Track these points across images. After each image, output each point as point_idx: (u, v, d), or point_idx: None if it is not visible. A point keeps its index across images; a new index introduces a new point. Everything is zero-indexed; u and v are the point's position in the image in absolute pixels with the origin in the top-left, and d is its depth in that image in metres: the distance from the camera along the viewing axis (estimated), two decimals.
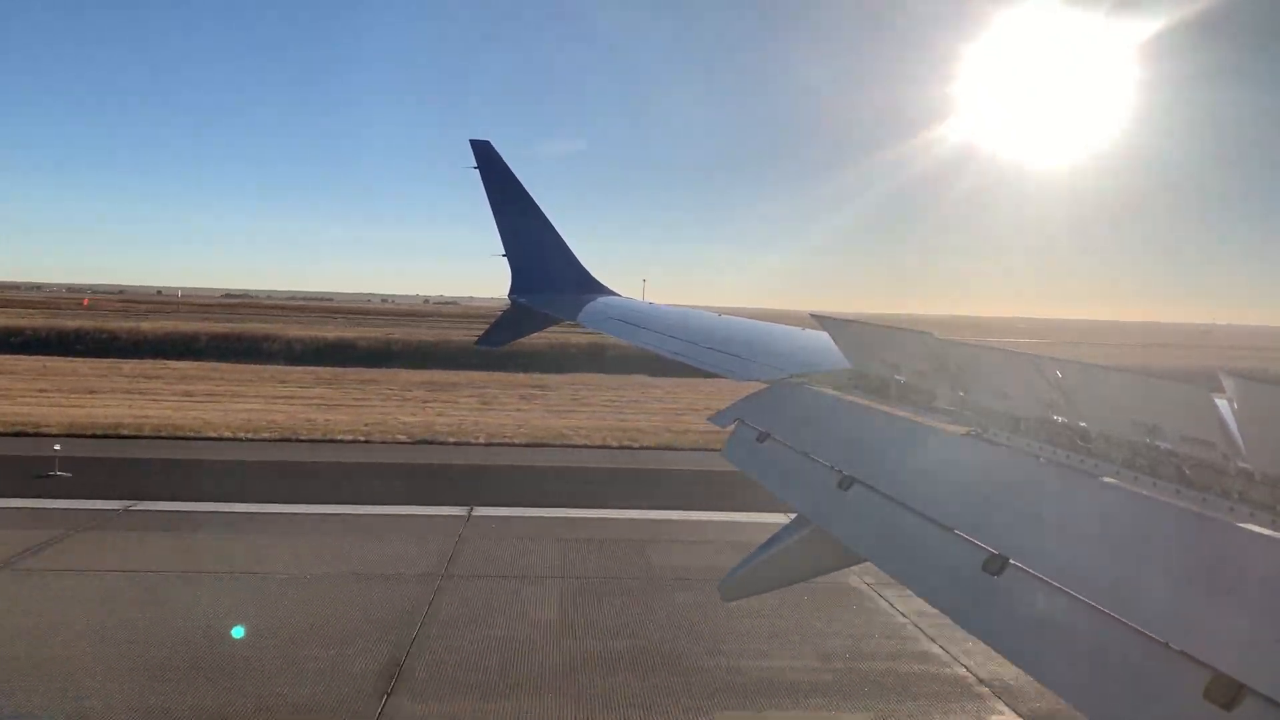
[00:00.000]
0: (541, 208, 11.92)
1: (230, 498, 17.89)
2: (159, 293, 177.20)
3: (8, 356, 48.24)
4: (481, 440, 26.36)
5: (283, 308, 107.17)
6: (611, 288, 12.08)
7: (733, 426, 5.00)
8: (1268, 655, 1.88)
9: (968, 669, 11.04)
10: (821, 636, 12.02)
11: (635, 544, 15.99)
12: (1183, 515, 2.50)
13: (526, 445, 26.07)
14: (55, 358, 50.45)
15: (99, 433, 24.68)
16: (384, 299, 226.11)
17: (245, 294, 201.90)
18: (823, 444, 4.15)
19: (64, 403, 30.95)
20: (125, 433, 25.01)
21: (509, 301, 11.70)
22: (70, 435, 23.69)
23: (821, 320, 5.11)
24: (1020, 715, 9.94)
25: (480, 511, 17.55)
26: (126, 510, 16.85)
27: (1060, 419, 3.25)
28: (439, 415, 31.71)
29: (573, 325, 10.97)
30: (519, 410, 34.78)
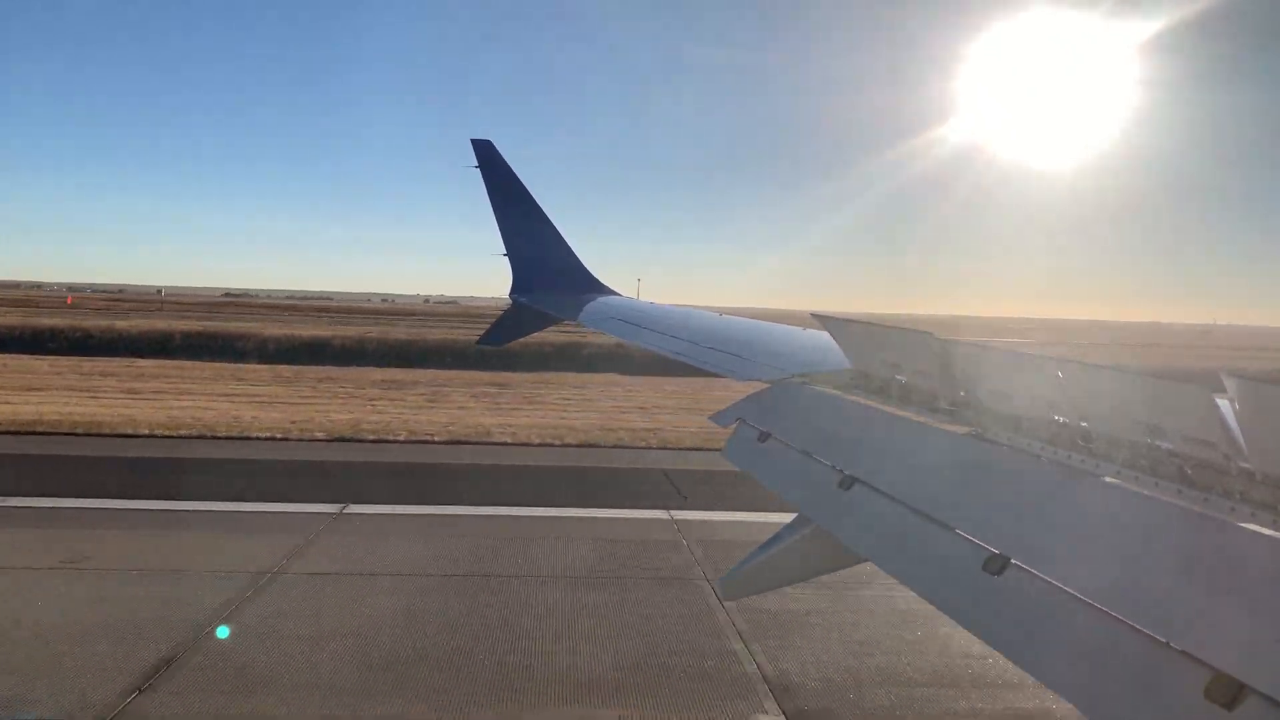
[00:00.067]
0: (542, 207, 11.97)
1: (94, 493, 17.80)
2: (159, 292, 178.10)
3: None
4: (402, 438, 26.28)
5: (272, 307, 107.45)
6: (612, 287, 12.16)
7: (734, 426, 5.03)
8: (1268, 655, 1.88)
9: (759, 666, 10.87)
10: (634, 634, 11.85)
11: (518, 541, 15.84)
12: (1184, 515, 2.51)
13: (445, 443, 25.96)
14: (23, 356, 50.65)
15: (11, 429, 24.70)
16: (384, 299, 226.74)
17: (245, 293, 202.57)
18: (824, 444, 4.20)
19: None
20: (42, 429, 25.01)
21: (509, 301, 11.73)
22: None
23: (822, 320, 5.15)
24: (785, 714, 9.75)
25: (354, 509, 17.44)
26: None
27: (1061, 419, 3.27)
28: (375, 413, 31.61)
29: (574, 325, 10.86)
30: (461, 408, 34.69)
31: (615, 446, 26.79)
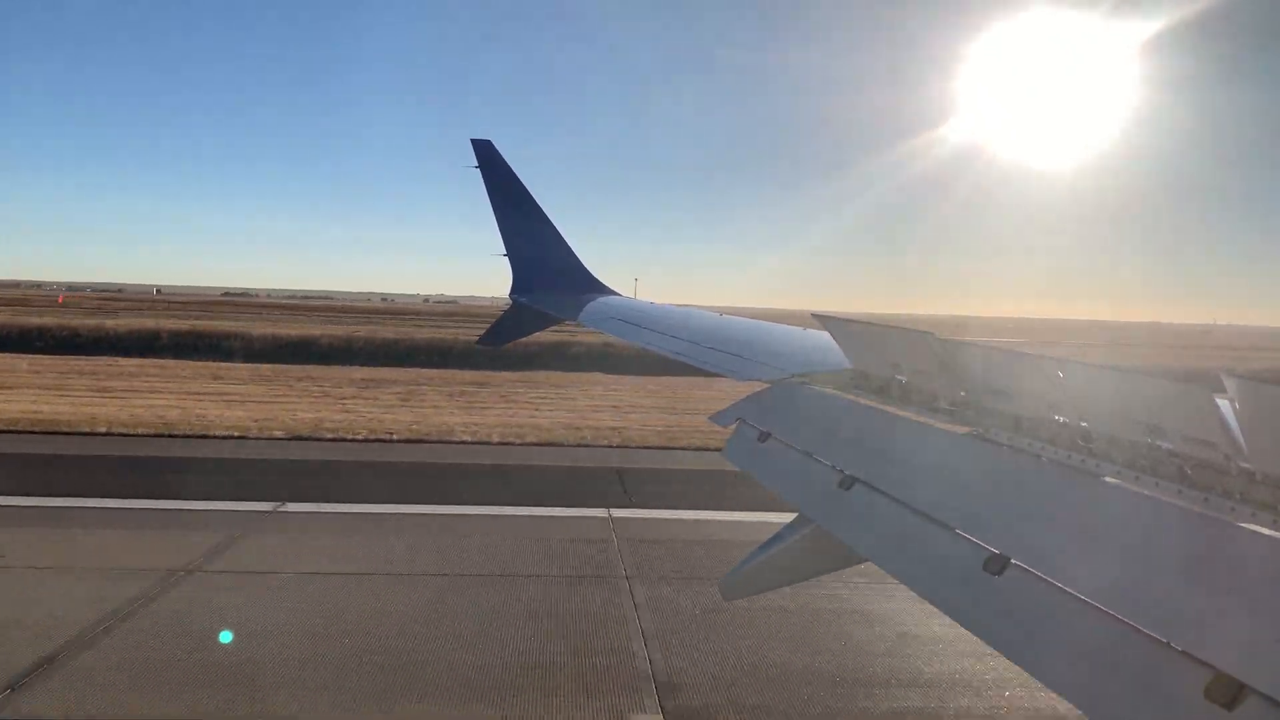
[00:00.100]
0: (542, 207, 11.98)
1: (28, 490, 17.83)
2: (158, 291, 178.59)
3: None
4: (361, 437, 26.24)
5: (265, 306, 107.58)
6: (612, 288, 12.18)
7: (734, 426, 5.04)
8: (1269, 655, 1.89)
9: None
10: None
11: (447, 538, 15.79)
12: (1184, 515, 2.52)
13: (403, 441, 25.90)
14: (7, 355, 50.76)
15: None
16: (384, 298, 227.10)
17: (245, 293, 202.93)
18: (824, 444, 4.22)
19: None
20: None
21: (509, 301, 11.73)
22: None
23: (823, 320, 5.15)
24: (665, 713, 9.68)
25: (290, 507, 17.40)
26: None
27: (1062, 419, 3.28)
28: (342, 412, 31.61)
29: (574, 324, 10.92)
30: (433, 407, 34.67)
31: (576, 445, 26.74)
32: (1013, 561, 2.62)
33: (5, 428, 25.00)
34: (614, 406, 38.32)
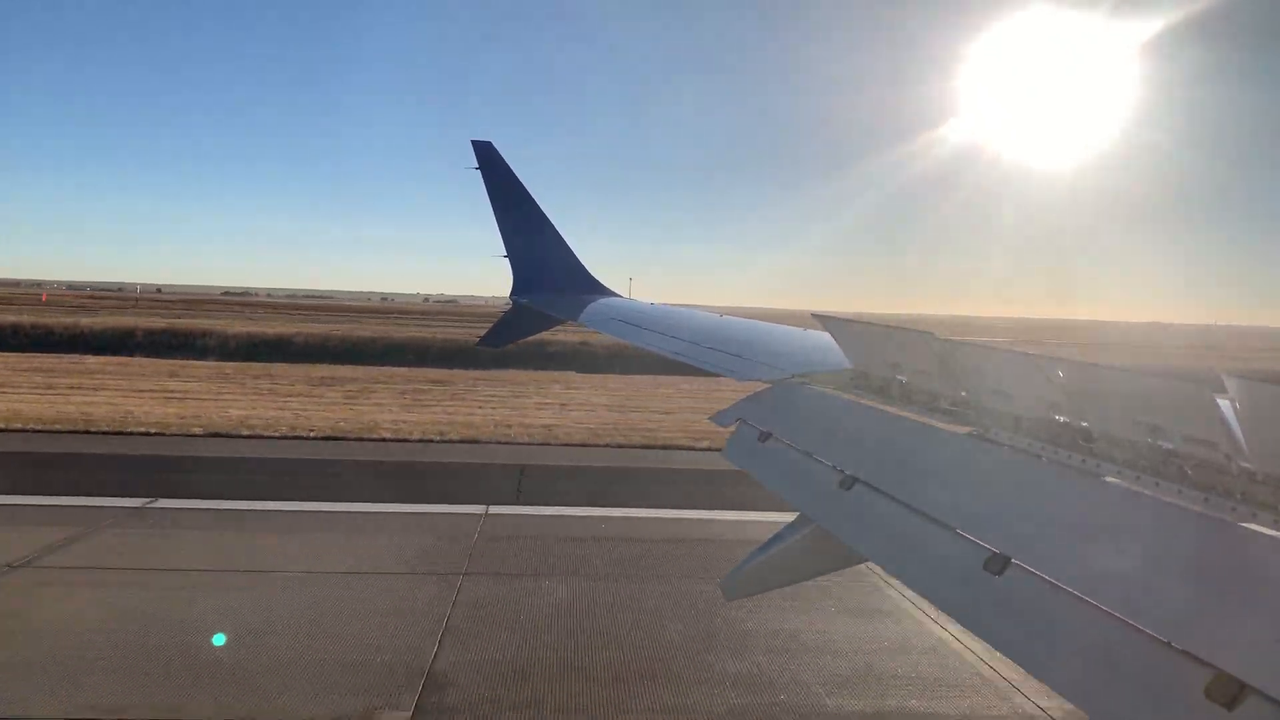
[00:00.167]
0: (543, 208, 12.02)
1: None
2: (158, 290, 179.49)
3: None
4: (280, 433, 26.13)
5: (257, 304, 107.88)
6: (612, 289, 12.22)
7: (734, 426, 5.05)
8: (1269, 654, 1.89)
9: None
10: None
11: (310, 535, 15.68)
12: (1185, 515, 2.53)
13: (320, 439, 25.77)
14: None
15: None
16: (384, 298, 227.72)
17: (246, 292, 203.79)
18: (825, 444, 4.24)
19: None
20: None
21: (509, 301, 11.77)
22: None
23: (823, 320, 5.17)
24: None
25: (161, 503, 17.26)
26: None
27: (1062, 419, 3.29)
28: (275, 409, 31.54)
29: (576, 325, 10.88)
30: (376, 404, 34.61)
31: (497, 442, 26.60)
32: (1013, 561, 2.61)
33: None
34: (562, 405, 38.15)
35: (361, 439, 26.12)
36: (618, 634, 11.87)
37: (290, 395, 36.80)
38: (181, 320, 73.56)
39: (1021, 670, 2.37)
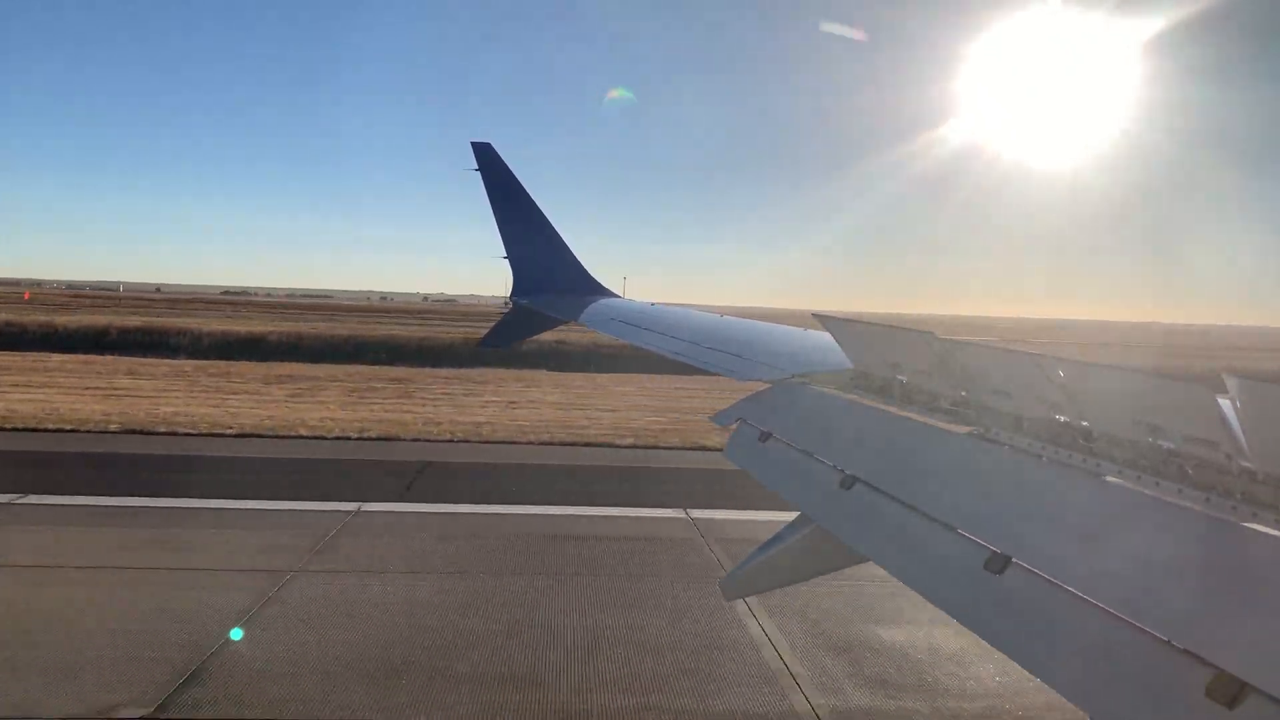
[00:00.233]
0: (542, 209, 12.08)
1: None
2: (157, 290, 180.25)
3: None
4: (200, 431, 26.06)
5: (246, 304, 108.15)
6: (613, 290, 12.28)
7: (734, 426, 5.06)
8: (1270, 654, 1.90)
9: None
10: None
11: (170, 531, 15.59)
12: (1185, 515, 2.53)
13: (235, 436, 25.67)
14: None
15: None
16: (384, 297, 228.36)
17: (244, 291, 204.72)
18: (825, 444, 4.25)
19: None
20: None
21: (509, 301, 11.85)
22: None
23: (823, 320, 5.17)
24: None
25: (30, 499, 17.23)
26: None
27: (1063, 418, 3.29)
28: (209, 407, 31.49)
29: (579, 325, 10.94)
30: (314, 403, 34.50)
31: (415, 439, 26.46)
32: (1014, 561, 2.62)
33: None
34: (510, 403, 38.01)
35: (279, 436, 26.04)
36: (435, 632, 11.67)
37: (235, 393, 36.79)
38: (161, 319, 73.76)
39: (1022, 669, 2.35)
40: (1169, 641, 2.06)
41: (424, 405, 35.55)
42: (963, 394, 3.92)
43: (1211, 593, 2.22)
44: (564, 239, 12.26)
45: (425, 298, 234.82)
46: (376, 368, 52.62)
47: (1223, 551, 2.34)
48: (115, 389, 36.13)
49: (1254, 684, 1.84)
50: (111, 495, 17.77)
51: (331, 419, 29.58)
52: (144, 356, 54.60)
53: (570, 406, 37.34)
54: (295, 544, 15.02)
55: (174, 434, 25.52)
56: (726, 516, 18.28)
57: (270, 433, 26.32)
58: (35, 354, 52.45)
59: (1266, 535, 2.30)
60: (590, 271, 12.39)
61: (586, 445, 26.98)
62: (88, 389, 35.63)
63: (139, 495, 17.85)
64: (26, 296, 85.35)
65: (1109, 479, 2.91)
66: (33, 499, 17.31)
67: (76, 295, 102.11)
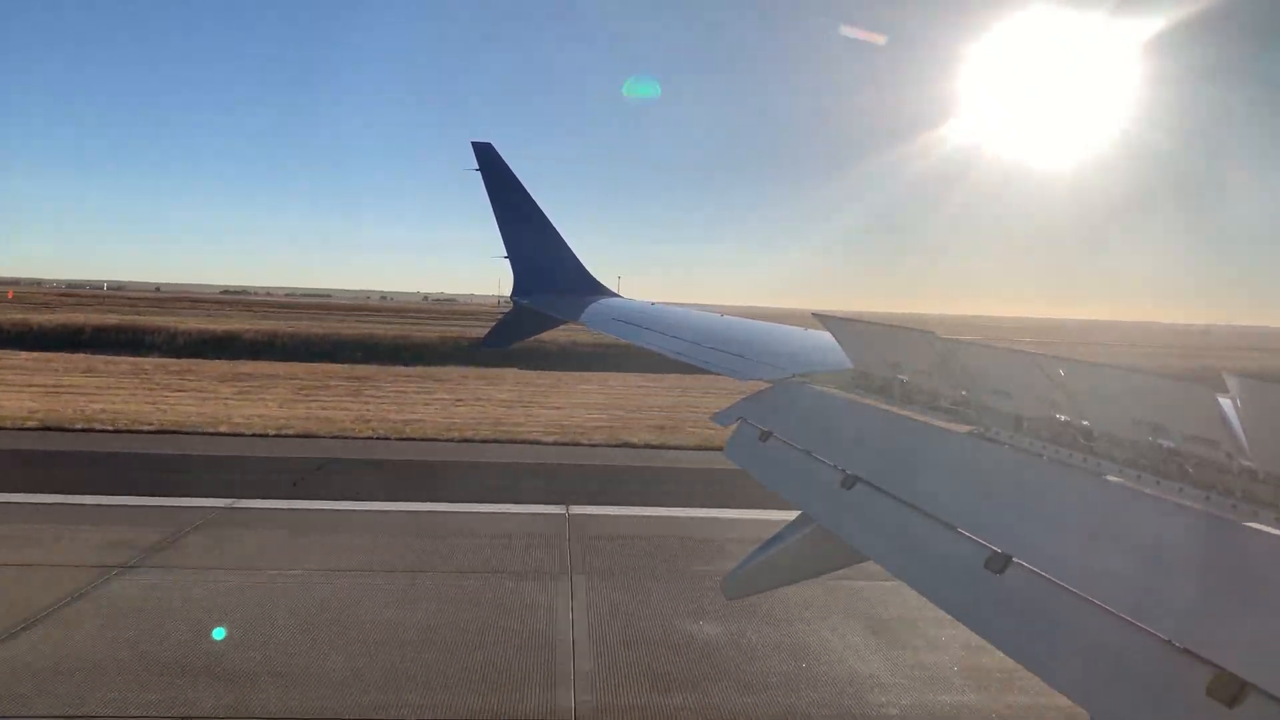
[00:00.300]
0: (543, 208, 12.10)
1: None
2: (157, 289, 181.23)
3: None
4: (118, 427, 25.99)
5: (235, 303, 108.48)
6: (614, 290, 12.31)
7: (735, 425, 5.07)
8: (1270, 653, 1.90)
9: None
10: None
11: (48, 525, 15.49)
12: (1186, 514, 2.53)
13: (152, 432, 25.57)
14: None
15: None
16: (384, 296, 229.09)
17: (244, 290, 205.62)
18: (826, 443, 4.26)
19: None
20: None
21: (509, 301, 11.90)
22: None
23: (824, 320, 5.19)
24: None
25: None
26: None
27: (1063, 418, 3.30)
28: (147, 405, 31.43)
29: (579, 325, 10.93)
30: (254, 400, 34.41)
31: (335, 436, 26.29)
32: (1014, 560, 2.62)
33: None
34: (458, 400, 37.88)
35: (196, 433, 25.90)
36: (245, 627, 11.48)
37: (181, 390, 36.78)
38: (139, 317, 74.02)
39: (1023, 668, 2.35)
40: (1170, 640, 2.06)
41: (367, 403, 35.40)
42: (963, 393, 3.91)
43: (1212, 592, 2.21)
44: (564, 238, 12.31)
45: (425, 297, 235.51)
46: (346, 366, 52.56)
47: (1223, 551, 2.33)
48: (60, 386, 36.14)
49: (1254, 683, 1.83)
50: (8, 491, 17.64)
51: (260, 416, 29.45)
52: (115, 355, 54.63)
53: (517, 404, 37.12)
54: (139, 540, 14.84)
55: (89, 431, 25.45)
56: (604, 512, 18.07)
57: (190, 429, 26.21)
58: (1, 351, 52.66)
59: (1267, 534, 2.29)
60: (591, 271, 12.45)
61: (510, 442, 26.77)
62: (30, 386, 35.63)
63: (32, 492, 17.71)
64: (10, 295, 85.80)
65: (1109, 478, 2.90)
66: None
67: (64, 295, 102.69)
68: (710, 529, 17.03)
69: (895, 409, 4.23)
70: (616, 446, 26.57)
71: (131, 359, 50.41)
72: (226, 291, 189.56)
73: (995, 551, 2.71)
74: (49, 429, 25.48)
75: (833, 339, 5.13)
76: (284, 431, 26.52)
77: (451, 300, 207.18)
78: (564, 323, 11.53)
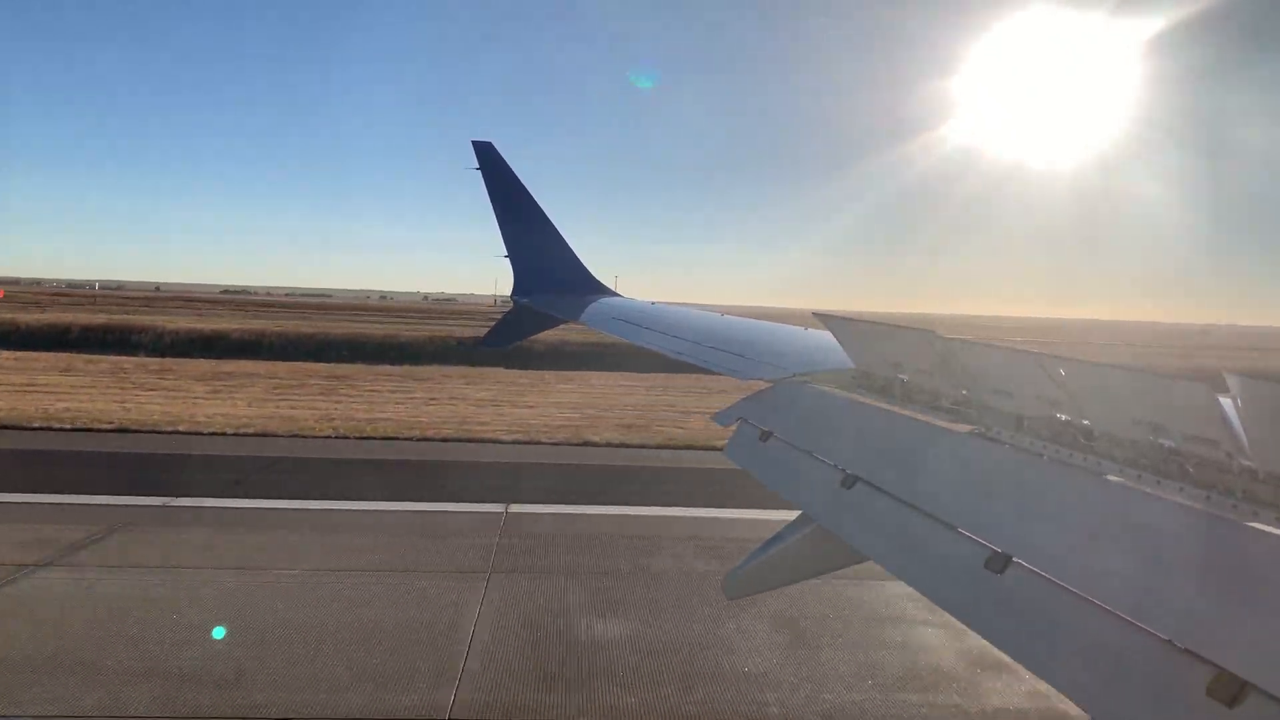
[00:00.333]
0: (543, 208, 12.07)
1: None
2: (157, 289, 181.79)
3: None
4: (76, 426, 25.96)
5: (229, 303, 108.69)
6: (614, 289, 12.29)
7: (735, 425, 5.08)
8: (1271, 653, 1.90)
9: None
10: None
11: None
12: (1186, 513, 2.53)
13: (111, 431, 25.54)
14: None
15: None
16: (383, 296, 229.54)
17: (245, 290, 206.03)
18: (826, 443, 4.27)
19: None
20: None
21: (509, 301, 11.89)
22: None
23: (825, 319, 5.17)
24: None
25: None
26: None
27: (1064, 417, 3.30)
28: (114, 403, 31.36)
29: (580, 325, 10.89)
30: (222, 400, 34.33)
31: (292, 436, 26.22)
32: (1015, 560, 2.62)
33: None
34: (431, 399, 37.80)
35: (154, 432, 25.84)
36: (146, 625, 11.40)
37: (153, 389, 36.76)
38: (128, 317, 74.16)
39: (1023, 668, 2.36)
40: (1170, 640, 2.06)
41: (337, 402, 35.34)
42: (964, 393, 3.91)
43: (1212, 592, 2.20)
44: (564, 238, 12.25)
45: (425, 296, 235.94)
46: (329, 365, 52.55)
47: (1224, 550, 2.32)
48: (32, 385, 36.13)
49: (1255, 683, 1.83)
50: None
51: (224, 415, 29.40)
52: (100, 354, 54.68)
53: (489, 404, 37.03)
54: (61, 538, 14.76)
55: (46, 429, 25.39)
56: (545, 511, 17.96)
57: (147, 428, 26.17)
58: None
59: (1267, 534, 2.29)
60: (591, 271, 12.41)
61: (469, 441, 26.68)
62: (1, 385, 35.64)
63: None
64: (1, 294, 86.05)
65: (1110, 478, 2.89)
66: None
67: (57, 294, 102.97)
68: (649, 526, 16.94)
69: (896, 409, 4.23)
70: (577, 445, 26.47)
71: (113, 358, 50.35)
72: (227, 291, 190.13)
73: (995, 551, 2.70)
74: (5, 427, 25.46)
75: (833, 339, 5.12)
76: (242, 430, 26.44)
77: (451, 300, 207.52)
78: (564, 322, 11.50)
